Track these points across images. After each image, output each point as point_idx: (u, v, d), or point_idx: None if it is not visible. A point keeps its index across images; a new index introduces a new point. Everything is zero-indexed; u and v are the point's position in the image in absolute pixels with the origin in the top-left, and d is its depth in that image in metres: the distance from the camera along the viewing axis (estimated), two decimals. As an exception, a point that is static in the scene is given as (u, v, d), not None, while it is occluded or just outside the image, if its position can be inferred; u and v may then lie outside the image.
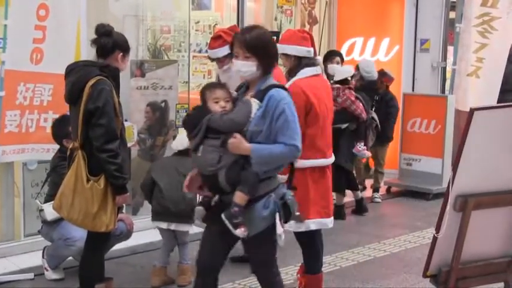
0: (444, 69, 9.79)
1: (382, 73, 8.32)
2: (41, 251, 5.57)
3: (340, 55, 8.12)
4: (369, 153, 7.67)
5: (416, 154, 8.92)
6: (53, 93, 5.62)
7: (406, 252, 6.48)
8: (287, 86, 4.80)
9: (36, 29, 5.43)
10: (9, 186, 5.96)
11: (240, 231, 3.63)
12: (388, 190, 9.02)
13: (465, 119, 3.78)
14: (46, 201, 5.34)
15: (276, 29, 9.32)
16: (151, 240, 6.14)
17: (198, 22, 10.11)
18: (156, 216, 5.39)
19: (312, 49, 4.85)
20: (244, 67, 3.74)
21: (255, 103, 3.67)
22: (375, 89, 8.06)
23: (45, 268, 5.49)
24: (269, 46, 3.80)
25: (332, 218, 4.95)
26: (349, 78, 7.51)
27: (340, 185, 7.54)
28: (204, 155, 3.69)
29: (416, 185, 8.81)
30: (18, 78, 5.45)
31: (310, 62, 4.86)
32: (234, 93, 3.90)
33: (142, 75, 6.69)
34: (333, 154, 4.98)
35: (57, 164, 5.23)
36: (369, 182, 8.81)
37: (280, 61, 5.32)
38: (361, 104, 7.39)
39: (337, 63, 7.79)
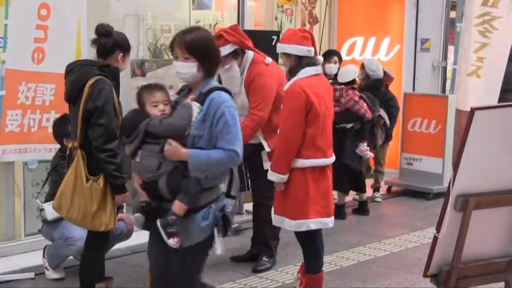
0: (445, 68, 9.78)
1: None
2: (42, 251, 5.57)
3: (338, 54, 8.13)
4: (371, 154, 7.67)
5: (416, 154, 8.92)
6: (55, 92, 5.63)
7: (407, 251, 6.48)
8: (287, 85, 4.83)
9: (38, 28, 5.43)
10: (9, 185, 5.97)
11: (172, 242, 3.49)
12: (388, 190, 9.02)
13: (466, 119, 3.78)
14: (46, 200, 5.35)
15: (276, 29, 9.33)
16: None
17: (198, 21, 10.09)
18: None
19: (312, 48, 4.85)
20: (184, 68, 3.58)
21: (196, 106, 3.52)
22: (380, 87, 8.04)
23: (46, 267, 5.49)
24: (210, 48, 3.64)
25: (332, 217, 4.95)
26: (356, 79, 7.55)
27: (344, 185, 7.57)
28: (143, 161, 3.56)
29: (416, 184, 8.82)
30: (19, 77, 5.45)
31: (310, 61, 4.86)
32: (174, 96, 3.75)
33: (143, 74, 6.70)
34: (333, 154, 4.98)
35: (58, 164, 5.24)
36: (369, 182, 8.80)
37: (280, 60, 5.35)
38: (365, 104, 7.40)
39: (335, 62, 7.80)
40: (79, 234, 5.01)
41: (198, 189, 3.51)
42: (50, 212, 5.02)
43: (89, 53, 5.22)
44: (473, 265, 4.04)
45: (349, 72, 7.57)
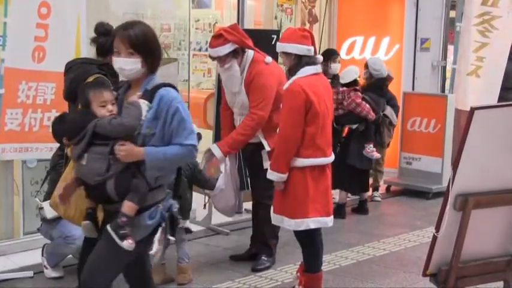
0: (444, 68, 9.79)
1: None
2: (40, 249, 5.57)
3: (338, 54, 8.14)
4: (378, 155, 7.64)
5: (416, 153, 8.92)
6: (56, 91, 5.62)
7: (406, 251, 6.48)
8: (287, 84, 4.82)
9: (38, 27, 5.42)
10: (8, 184, 5.96)
11: (126, 243, 3.37)
12: (387, 189, 9.02)
13: (465, 118, 3.78)
14: (45, 199, 5.32)
15: (276, 28, 9.33)
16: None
17: (198, 20, 10.11)
18: None
19: (312, 48, 4.85)
20: (128, 64, 3.46)
21: (144, 104, 3.40)
22: (383, 86, 8.02)
23: (45, 266, 5.48)
24: (153, 43, 3.55)
25: (332, 216, 4.95)
26: (357, 79, 7.55)
27: (351, 185, 7.59)
28: (89, 164, 3.41)
29: (416, 184, 8.82)
30: (19, 76, 5.44)
31: (310, 60, 4.86)
32: (113, 93, 3.60)
33: (142, 73, 6.68)
34: (332, 153, 4.98)
35: (57, 162, 5.21)
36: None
37: (280, 60, 5.35)
38: (367, 106, 7.40)
39: (339, 62, 7.80)
40: (78, 233, 4.97)
41: (146, 188, 3.42)
42: (49, 210, 5.00)
43: (88, 51, 5.22)
44: (472, 264, 4.04)
45: (351, 73, 7.58)
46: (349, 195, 7.91)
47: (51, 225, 5.34)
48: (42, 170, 5.86)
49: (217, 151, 5.48)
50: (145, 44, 3.48)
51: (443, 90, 9.78)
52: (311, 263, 4.96)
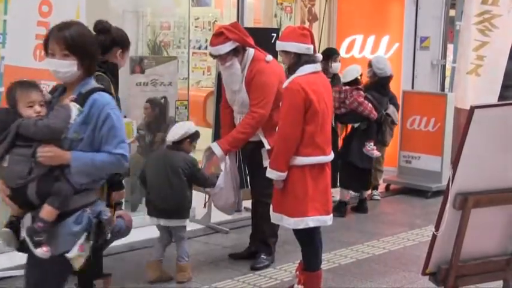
0: (444, 67, 9.79)
1: None
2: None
3: (339, 53, 8.14)
4: (378, 153, 7.64)
5: (415, 152, 8.91)
6: (57, 90, 5.61)
7: (405, 250, 6.48)
8: (286, 83, 4.82)
9: (39, 25, 5.40)
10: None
11: (41, 251, 3.15)
12: (387, 188, 9.01)
13: (465, 117, 3.77)
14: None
15: (275, 26, 9.33)
16: (149, 237, 6.12)
17: (197, 18, 10.12)
18: (148, 211, 5.42)
19: (311, 46, 4.84)
20: (63, 67, 3.25)
21: (75, 108, 3.21)
22: (386, 85, 8.01)
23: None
24: (90, 44, 3.35)
25: (331, 215, 4.95)
26: (359, 77, 7.54)
27: (352, 183, 7.60)
28: (11, 166, 3.20)
29: (415, 182, 8.81)
30: (20, 74, 5.40)
31: (310, 59, 4.85)
32: (48, 96, 3.42)
33: (142, 71, 6.69)
34: (332, 151, 4.98)
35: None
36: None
37: (279, 58, 5.34)
38: (369, 105, 7.40)
39: (339, 61, 7.80)
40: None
41: (70, 190, 3.22)
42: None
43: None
44: (472, 263, 4.04)
45: (352, 72, 7.58)
46: (351, 193, 7.91)
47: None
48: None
49: (217, 149, 5.48)
50: (82, 46, 3.28)
51: (442, 89, 9.78)
52: (310, 262, 4.96)
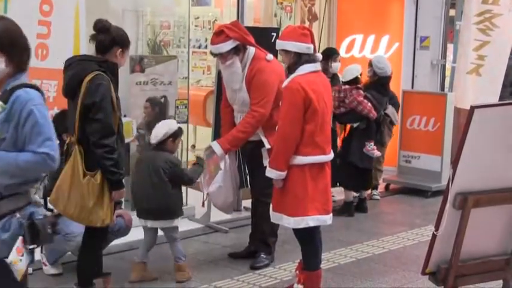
0: (444, 66, 9.79)
1: None
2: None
3: (339, 53, 8.15)
4: (378, 153, 7.63)
5: (415, 151, 8.92)
6: (58, 89, 5.60)
7: (405, 249, 6.48)
8: (286, 82, 4.82)
9: (40, 24, 5.40)
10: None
11: None
12: (387, 187, 9.02)
13: (465, 117, 3.78)
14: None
15: (275, 25, 9.33)
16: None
17: (197, 18, 10.12)
18: (137, 212, 5.44)
19: (311, 46, 4.84)
20: None
21: None
22: (386, 85, 8.02)
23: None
24: (19, 40, 3.14)
25: (331, 214, 4.95)
26: (359, 76, 7.55)
27: (352, 183, 7.60)
28: None
29: (415, 182, 8.82)
30: None
31: (309, 58, 4.85)
32: None
33: (142, 70, 6.69)
34: (332, 151, 4.98)
35: (57, 159, 5.21)
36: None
37: (279, 57, 5.34)
38: (369, 104, 7.40)
39: (339, 61, 7.81)
40: (78, 229, 5.00)
41: None
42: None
43: (88, 48, 5.22)
44: (471, 263, 4.04)
45: (352, 71, 7.59)
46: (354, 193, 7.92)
47: (51, 222, 5.34)
48: (41, 167, 5.86)
49: (217, 148, 5.48)
50: (9, 42, 3.08)
51: (442, 88, 9.78)
52: (310, 261, 4.96)
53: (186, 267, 5.42)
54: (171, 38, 8.46)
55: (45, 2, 5.41)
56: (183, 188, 7.23)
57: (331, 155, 4.94)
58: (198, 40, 10.09)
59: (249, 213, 6.32)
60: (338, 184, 7.57)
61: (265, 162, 5.39)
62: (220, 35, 5.46)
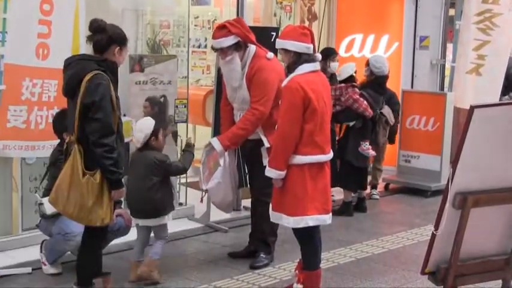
0: (443, 66, 9.79)
1: None
2: (39, 246, 5.57)
3: (337, 53, 8.16)
4: (373, 153, 7.64)
5: (414, 151, 8.93)
6: (58, 88, 5.60)
7: (405, 249, 6.49)
8: (285, 81, 4.83)
9: (41, 23, 5.39)
10: (7, 180, 5.96)
11: None
12: (386, 187, 9.02)
13: (464, 117, 3.78)
14: (45, 195, 5.33)
15: (275, 25, 9.34)
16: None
17: (197, 17, 10.11)
18: (130, 212, 5.44)
19: (311, 45, 4.85)
20: None
21: None
22: (383, 84, 8.02)
23: (43, 262, 5.49)
24: None
25: (330, 214, 4.95)
26: (354, 74, 7.54)
27: (349, 182, 7.60)
28: None
29: (414, 182, 8.82)
30: (21, 73, 5.40)
31: (309, 58, 4.85)
32: None
33: (142, 70, 6.70)
34: (331, 150, 4.98)
35: (57, 158, 5.21)
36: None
37: (279, 56, 5.34)
38: (364, 102, 7.40)
39: (337, 61, 7.82)
40: (78, 229, 5.00)
41: None
42: (49, 206, 5.00)
43: (88, 47, 5.22)
44: (471, 263, 4.05)
45: (347, 69, 7.61)
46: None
47: (51, 222, 5.35)
48: (41, 167, 5.87)
49: (217, 144, 5.49)
50: None
51: (442, 88, 9.78)
52: (310, 261, 4.97)
53: (157, 267, 5.32)
54: (170, 38, 8.47)
55: (46, 2, 5.40)
56: (183, 188, 7.28)
57: (330, 155, 4.94)
58: (197, 39, 10.08)
59: (248, 213, 6.32)
60: (338, 185, 7.57)
61: (265, 161, 5.39)
62: (222, 29, 5.47)
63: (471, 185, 3.88)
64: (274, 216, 4.97)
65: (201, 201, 6.12)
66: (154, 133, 5.30)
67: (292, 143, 4.74)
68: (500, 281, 4.29)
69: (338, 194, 7.78)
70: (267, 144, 5.50)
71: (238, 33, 5.45)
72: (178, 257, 6.03)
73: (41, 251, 5.53)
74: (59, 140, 5.37)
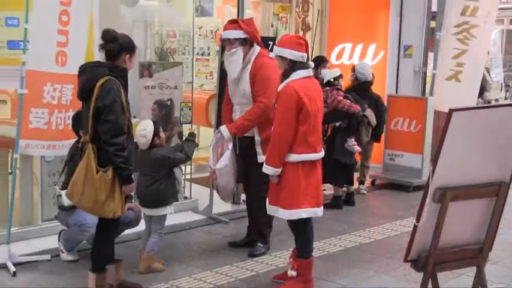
0: (425, 73, 9.82)
1: None
2: (57, 235, 5.59)
3: (327, 61, 8.19)
4: (358, 148, 7.65)
5: (398, 150, 8.95)
6: (73, 92, 5.61)
7: (389, 239, 6.50)
8: (281, 86, 4.84)
9: (60, 33, 5.40)
10: (28, 176, 5.99)
11: None
12: (373, 183, 9.03)
13: (443, 119, 3.79)
14: (63, 188, 5.35)
15: (272, 35, 9.35)
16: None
17: (201, 28, 10.12)
18: (139, 203, 5.44)
19: (305, 54, 4.87)
20: None
21: None
22: (368, 89, 8.06)
23: (61, 250, 5.51)
24: None
25: (322, 207, 4.96)
26: (332, 80, 7.51)
27: (337, 178, 7.59)
28: None
29: (398, 178, 8.84)
30: (43, 78, 5.38)
31: (303, 65, 4.87)
32: None
33: (150, 75, 6.71)
34: (323, 149, 5.00)
35: (74, 153, 5.21)
36: (355, 175, 8.80)
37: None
38: (348, 101, 7.42)
39: (328, 68, 7.84)
40: (92, 221, 5.02)
41: None
42: (67, 199, 5.03)
43: (100, 55, 5.23)
44: (449, 251, 4.06)
45: (328, 75, 7.59)
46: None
47: (68, 213, 5.36)
48: (58, 163, 5.88)
49: (225, 131, 5.55)
50: None
51: (423, 93, 9.79)
52: (303, 250, 4.98)
53: (150, 260, 5.31)
54: (176, 46, 8.48)
55: (64, 13, 5.40)
56: (187, 184, 7.29)
57: (322, 153, 4.96)
58: (201, 48, 10.10)
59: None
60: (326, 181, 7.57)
61: (260, 158, 5.43)
62: (233, 23, 5.60)
63: (450, 181, 3.90)
64: (271, 209, 4.98)
65: (208, 182, 6.08)
66: (156, 133, 5.31)
67: (287, 143, 4.76)
68: (474, 268, 4.32)
69: (329, 189, 7.80)
70: (257, 138, 5.53)
71: (247, 31, 5.50)
72: (183, 246, 6.05)
73: (59, 240, 5.55)
74: (76, 139, 5.38)
